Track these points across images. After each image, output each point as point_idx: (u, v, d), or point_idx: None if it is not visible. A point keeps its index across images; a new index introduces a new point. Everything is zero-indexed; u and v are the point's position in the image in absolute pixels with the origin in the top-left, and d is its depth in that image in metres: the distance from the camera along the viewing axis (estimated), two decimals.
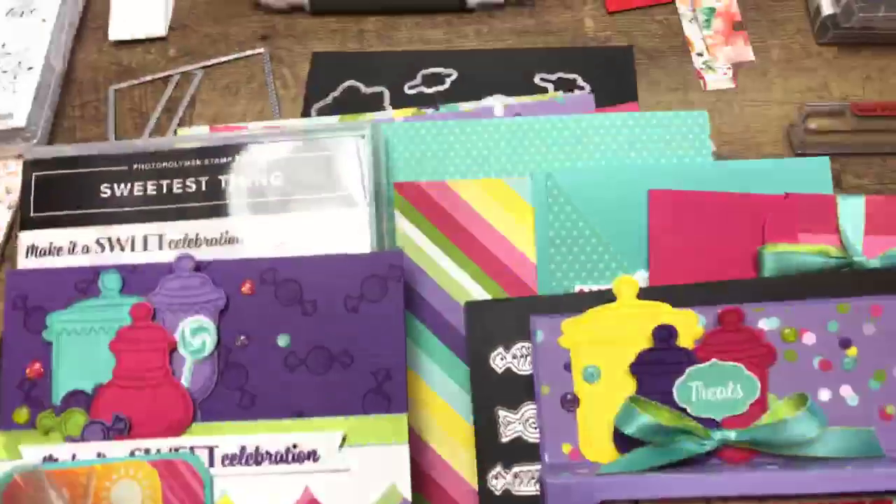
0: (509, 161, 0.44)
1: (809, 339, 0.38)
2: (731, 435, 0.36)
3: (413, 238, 0.42)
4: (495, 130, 0.45)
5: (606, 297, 0.39)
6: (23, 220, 0.42)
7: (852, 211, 0.41)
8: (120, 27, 0.56)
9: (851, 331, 0.37)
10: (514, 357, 0.39)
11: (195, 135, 0.45)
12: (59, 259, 0.41)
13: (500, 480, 0.39)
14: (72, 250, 0.41)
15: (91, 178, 0.42)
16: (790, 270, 0.40)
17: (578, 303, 0.39)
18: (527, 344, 0.39)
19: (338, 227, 0.41)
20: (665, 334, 0.38)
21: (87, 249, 0.41)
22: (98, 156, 0.42)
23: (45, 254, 0.41)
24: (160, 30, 0.55)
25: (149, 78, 0.54)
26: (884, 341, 0.37)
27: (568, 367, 0.38)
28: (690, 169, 0.43)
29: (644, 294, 0.39)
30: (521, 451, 0.39)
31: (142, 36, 0.55)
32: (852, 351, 0.37)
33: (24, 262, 0.41)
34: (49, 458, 0.38)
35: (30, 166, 0.42)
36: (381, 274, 0.39)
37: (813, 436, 0.36)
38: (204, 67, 0.54)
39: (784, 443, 0.36)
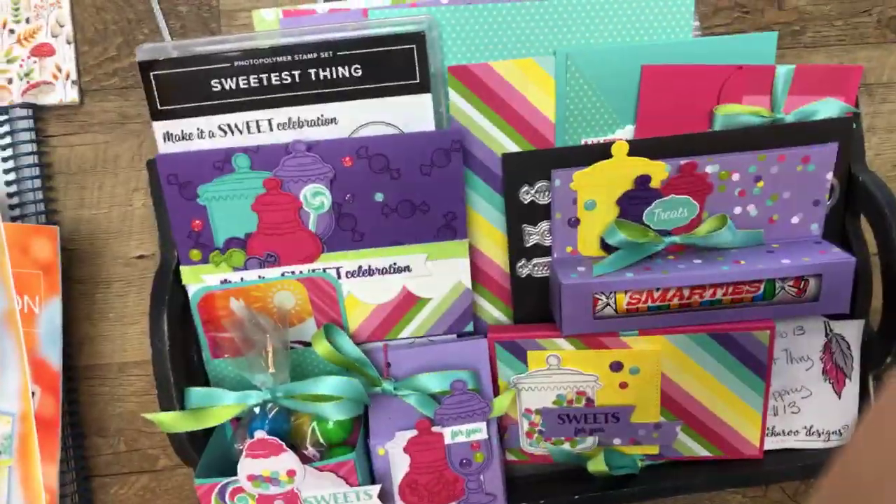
0: (537, 40, 0.54)
1: (735, 177, 0.56)
2: (677, 238, 0.57)
3: (464, 109, 0.54)
4: (526, 12, 0.54)
5: (604, 152, 0.55)
6: (152, 112, 0.51)
7: (784, 77, 0.55)
8: None
9: (763, 171, 0.55)
10: (537, 192, 0.56)
11: (274, 31, 0.52)
12: (192, 143, 0.52)
13: (524, 269, 0.59)
14: (200, 135, 0.52)
15: (200, 76, 0.51)
16: (734, 126, 0.56)
17: (584, 155, 0.55)
18: (545, 183, 0.56)
19: (409, 109, 0.53)
20: (642, 180, 0.55)
21: (212, 134, 0.52)
22: (200, 55, 0.50)
23: (179, 139, 0.52)
24: None
25: None
26: (782, 177, 0.56)
27: (575, 201, 0.56)
28: (673, 45, 0.55)
29: (631, 148, 0.54)
30: (538, 251, 0.58)
31: None
32: (760, 183, 0.56)
33: (164, 147, 0.52)
34: (224, 281, 0.56)
35: (144, 66, 0.50)
36: (446, 147, 0.53)
37: (728, 241, 0.57)
38: None
39: (708, 244, 0.57)
